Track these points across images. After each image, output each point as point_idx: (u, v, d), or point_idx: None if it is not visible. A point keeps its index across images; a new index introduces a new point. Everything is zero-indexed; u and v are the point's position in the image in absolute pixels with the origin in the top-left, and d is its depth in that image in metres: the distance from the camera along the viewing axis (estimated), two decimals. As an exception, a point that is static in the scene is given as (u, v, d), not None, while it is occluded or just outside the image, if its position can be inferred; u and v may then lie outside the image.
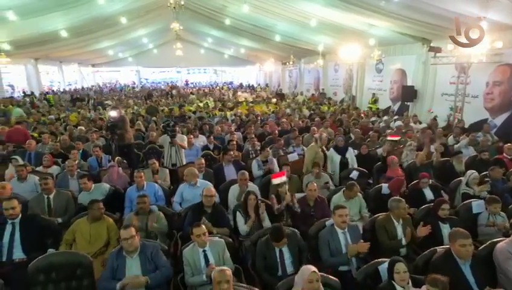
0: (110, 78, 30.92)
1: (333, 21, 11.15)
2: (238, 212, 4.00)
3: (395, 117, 10.33)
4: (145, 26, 18.09)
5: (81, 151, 6.67)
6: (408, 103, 11.65)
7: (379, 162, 5.75)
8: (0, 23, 10.44)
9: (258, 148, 6.80)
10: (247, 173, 4.68)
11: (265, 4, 11.37)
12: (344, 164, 5.94)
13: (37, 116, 11.13)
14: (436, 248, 3.09)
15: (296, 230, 3.57)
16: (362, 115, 11.10)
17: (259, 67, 28.41)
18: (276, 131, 7.95)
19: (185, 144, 6.28)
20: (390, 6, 8.28)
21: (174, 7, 9.74)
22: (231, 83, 32.72)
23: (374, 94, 13.83)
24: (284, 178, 4.18)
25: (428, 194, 4.71)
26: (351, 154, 6.05)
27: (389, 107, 12.90)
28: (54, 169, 5.80)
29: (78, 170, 5.43)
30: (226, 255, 3.26)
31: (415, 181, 4.93)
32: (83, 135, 7.96)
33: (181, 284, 3.18)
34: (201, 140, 7.72)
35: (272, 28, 14.50)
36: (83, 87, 24.91)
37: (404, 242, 3.54)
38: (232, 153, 5.80)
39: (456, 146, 7.02)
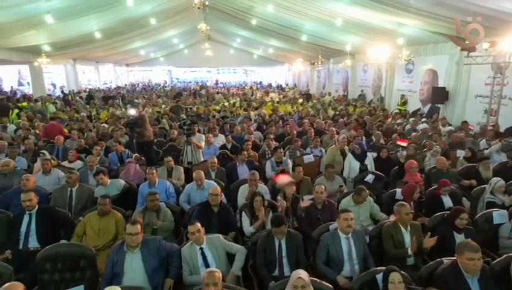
0: (143, 77, 32.06)
1: (360, 20, 10.85)
2: (244, 213, 3.99)
3: (423, 119, 9.87)
4: (175, 27, 18.52)
5: (104, 147, 6.97)
6: (439, 105, 11.10)
7: (396, 166, 5.51)
8: (41, 26, 11.12)
9: (275, 148, 6.75)
10: (257, 174, 4.65)
11: (291, 4, 11.28)
12: (363, 171, 5.74)
13: (70, 113, 11.73)
14: (443, 259, 2.90)
15: (299, 233, 3.50)
16: (388, 116, 10.68)
17: (288, 68, 28.25)
18: (295, 131, 7.84)
19: (202, 143, 6.36)
20: (420, 3, 7.92)
21: (199, 7, 9.89)
22: (260, 82, 32.85)
23: (403, 96, 13.31)
24: (287, 178, 4.11)
25: (447, 201, 4.45)
26: (370, 160, 5.82)
27: (419, 109, 12.36)
28: (78, 164, 6.07)
29: (97, 166, 5.65)
30: (226, 244, 3.29)
31: (433, 187, 4.68)
32: (107, 132, 8.26)
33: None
34: (220, 139, 7.79)
35: (299, 28, 14.35)
36: (117, 86, 26.01)
37: (410, 251, 3.37)
38: (245, 152, 5.80)
39: (486, 151, 6.59)
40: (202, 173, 4.82)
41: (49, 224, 3.81)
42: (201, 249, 3.21)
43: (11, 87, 21.71)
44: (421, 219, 3.95)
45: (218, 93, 19.84)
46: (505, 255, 2.97)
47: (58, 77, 21.01)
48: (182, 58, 28.37)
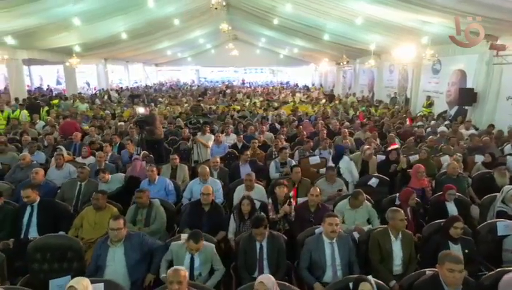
0: (172, 76, 32.89)
1: (382, 18, 10.49)
2: (232, 215, 3.97)
3: (446, 122, 9.36)
4: (201, 27, 18.83)
5: (117, 144, 7.23)
6: (466, 107, 10.48)
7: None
8: (71, 28, 11.70)
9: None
10: (253, 175, 4.64)
11: (311, 3, 11.13)
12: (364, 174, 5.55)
13: (96, 111, 12.25)
14: (426, 269, 2.74)
15: (284, 236, 3.45)
16: (410, 119, 10.23)
17: (315, 68, 27.89)
18: (305, 132, 7.72)
19: (210, 143, 6.44)
20: (444, 0, 7.53)
21: (216, 8, 9.98)
22: (287, 83, 32.67)
23: (429, 97, 12.69)
24: None
25: (452, 208, 4.21)
26: (346, 163, 5.47)
27: (445, 111, 11.74)
28: (90, 159, 6.32)
29: (106, 162, 5.87)
30: (215, 258, 3.27)
31: (438, 193, 4.44)
32: (124, 129, 8.53)
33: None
34: (232, 138, 7.83)
35: (322, 27, 14.11)
36: (146, 85, 26.87)
37: (399, 261, 3.20)
38: (248, 152, 5.79)
39: (509, 157, 6.15)
40: (207, 168, 4.91)
41: (49, 216, 3.99)
42: (192, 256, 3.18)
43: (48, 85, 23.05)
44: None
45: (240, 92, 19.94)
46: (496, 270, 2.75)
47: (91, 76, 22.02)
48: (209, 58, 28.81)
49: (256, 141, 6.70)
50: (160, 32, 16.06)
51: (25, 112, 10.50)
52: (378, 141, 7.42)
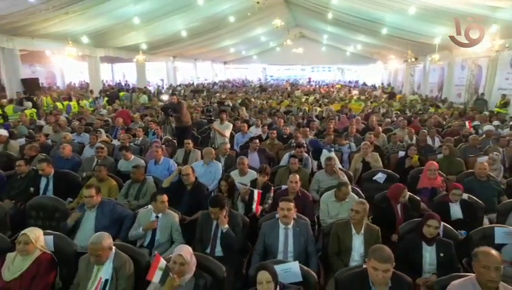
0: (240, 74, 33.97)
1: (442, 7, 9.47)
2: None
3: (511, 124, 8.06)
4: (262, 24, 19.09)
5: (153, 130, 7.82)
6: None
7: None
8: (135, 27, 12.95)
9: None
10: (246, 159, 4.65)
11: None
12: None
13: (154, 102, 13.34)
14: (364, 264, 2.47)
15: (243, 216, 3.43)
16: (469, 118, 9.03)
17: (383, 66, 26.22)
18: (331, 126, 7.39)
19: (226, 132, 6.64)
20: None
21: (258, 2, 10.07)
22: (356, 82, 31.33)
23: (504, 96, 11.04)
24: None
25: (456, 211, 3.68)
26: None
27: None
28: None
29: (131, 144, 6.41)
30: (175, 227, 3.42)
31: (443, 193, 3.91)
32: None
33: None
34: (259, 130, 7.91)
35: (381, 20, 13.26)
36: (214, 82, 28.25)
37: (358, 257, 2.93)
38: (257, 141, 5.80)
39: None
40: (212, 150, 5.12)
41: (63, 186, 4.52)
42: (156, 217, 3.43)
43: (126, 81, 25.74)
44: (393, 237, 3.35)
45: (298, 89, 19.77)
46: (449, 275, 2.35)
47: (160, 72, 23.96)
48: (275, 56, 29.08)
49: (275, 132, 6.65)
50: (220, 30, 16.73)
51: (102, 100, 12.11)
52: (414, 138, 6.78)
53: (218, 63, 30.31)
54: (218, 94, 17.31)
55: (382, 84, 26.96)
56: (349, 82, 31.07)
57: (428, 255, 2.87)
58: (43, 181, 4.53)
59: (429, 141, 6.71)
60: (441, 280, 2.36)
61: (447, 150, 5.02)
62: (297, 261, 2.62)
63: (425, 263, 2.86)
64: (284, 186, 4.12)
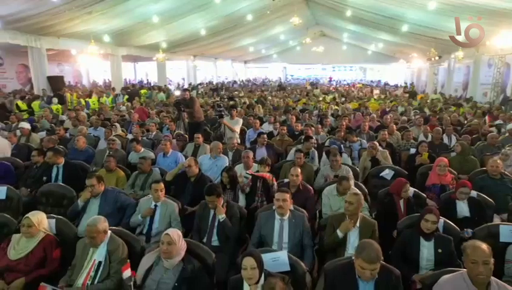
0: (260, 73, 34.02)
1: (467, 1, 9.12)
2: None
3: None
4: (281, 23, 19.03)
5: (167, 126, 7.98)
6: None
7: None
8: (155, 26, 13.23)
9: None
10: (251, 153, 4.67)
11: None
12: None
13: (171, 99, 13.61)
14: (352, 255, 2.42)
15: (240, 207, 3.45)
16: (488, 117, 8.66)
17: (406, 65, 25.51)
18: (344, 124, 7.28)
19: (236, 127, 6.70)
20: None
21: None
22: (378, 81, 30.70)
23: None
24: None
25: (463, 209, 3.54)
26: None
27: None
28: (138, 136, 7.17)
29: (144, 138, 6.58)
30: (174, 216, 3.50)
31: (450, 190, 3.77)
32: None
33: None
34: (270, 126, 7.93)
35: (402, 17, 12.93)
36: (234, 81, 28.45)
37: (352, 251, 2.87)
38: (265, 136, 5.82)
39: None
40: (219, 144, 5.19)
41: (71, 175, 4.68)
42: (155, 205, 3.52)
43: (147, 79, 26.33)
44: None
45: (317, 88, 19.60)
46: (440, 270, 2.27)
47: (179, 71, 24.38)
48: (295, 55, 28.92)
49: (284, 128, 6.65)
50: (238, 29, 16.82)
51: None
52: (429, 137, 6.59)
53: (238, 62, 30.47)
54: (236, 93, 17.42)
55: (405, 83, 26.27)
56: (371, 81, 30.50)
57: (426, 250, 2.79)
58: (54, 170, 4.72)
59: (445, 140, 6.51)
60: (433, 274, 2.29)
61: (459, 147, 4.85)
62: (285, 251, 2.61)
63: (422, 259, 2.78)
64: (286, 180, 4.11)
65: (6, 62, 17.21)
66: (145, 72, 28.78)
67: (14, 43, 11.61)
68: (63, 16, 10.67)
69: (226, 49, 22.11)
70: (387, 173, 4.54)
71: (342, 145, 5.71)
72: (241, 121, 6.86)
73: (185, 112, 7.14)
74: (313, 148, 5.65)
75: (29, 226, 2.80)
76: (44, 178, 4.61)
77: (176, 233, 2.51)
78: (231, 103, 10.52)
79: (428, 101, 13.49)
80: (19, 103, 11.41)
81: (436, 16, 11.17)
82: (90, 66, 21.41)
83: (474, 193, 3.64)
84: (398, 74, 28.97)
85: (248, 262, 2.21)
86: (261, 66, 32.94)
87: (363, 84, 24.85)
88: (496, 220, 3.68)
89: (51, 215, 3.06)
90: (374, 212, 3.94)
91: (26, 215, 2.86)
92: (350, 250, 2.92)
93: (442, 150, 5.72)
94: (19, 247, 2.84)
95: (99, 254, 2.62)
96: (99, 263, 2.59)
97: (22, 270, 2.74)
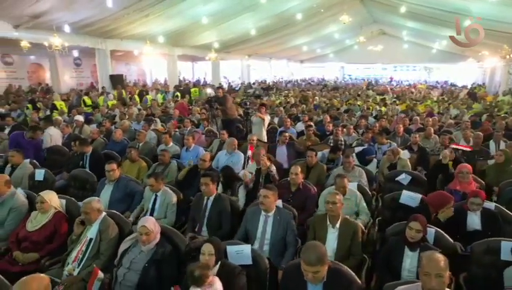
0: (317, 73, 33.44)
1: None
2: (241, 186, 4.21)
3: None
4: (334, 21, 18.53)
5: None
6: None
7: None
8: (206, 27, 13.81)
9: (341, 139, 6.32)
10: (262, 150, 4.69)
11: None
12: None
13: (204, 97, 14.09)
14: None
15: (236, 203, 3.53)
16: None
17: (477, 64, 23.11)
18: (377, 125, 6.93)
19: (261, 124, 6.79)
20: None
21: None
22: (445, 82, 28.29)
23: None
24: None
25: (474, 221, 3.22)
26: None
27: None
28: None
29: (178, 133, 7.00)
30: (170, 205, 3.73)
31: (462, 201, 3.43)
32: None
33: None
34: (302, 125, 7.88)
35: (465, 11, 11.78)
36: (288, 81, 28.39)
37: (331, 253, 2.79)
38: (286, 134, 5.83)
39: None
40: (234, 140, 5.37)
41: (97, 163, 5.09)
42: (155, 195, 3.78)
43: (204, 78, 27.48)
44: None
45: (368, 89, 18.78)
46: (394, 282, 2.13)
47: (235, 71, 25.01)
48: (352, 54, 27.90)
49: (311, 128, 6.58)
50: (290, 28, 16.75)
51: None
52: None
53: (294, 62, 30.31)
54: (286, 92, 17.43)
55: (473, 84, 23.84)
56: (437, 82, 28.18)
57: (409, 260, 2.62)
58: (84, 158, 5.27)
59: (492, 146, 5.87)
60: (388, 285, 2.15)
61: (501, 157, 4.33)
62: (249, 245, 2.65)
63: (404, 269, 2.62)
64: (288, 178, 4.10)
65: (84, 63, 19.37)
66: (204, 72, 30.11)
67: (84, 46, 13.05)
68: (123, 19, 11.71)
69: (280, 49, 22.15)
70: (403, 178, 4.27)
71: (373, 149, 5.53)
72: (269, 117, 6.92)
73: (218, 110, 7.39)
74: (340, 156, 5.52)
75: (42, 202, 3.23)
76: (81, 163, 5.18)
77: (152, 222, 2.69)
78: (259, 101, 10.60)
79: (493, 104, 12.12)
80: (86, 98, 12.78)
81: (505, 8, 10.02)
82: (153, 65, 23.04)
83: (491, 205, 3.29)
84: (468, 74, 26.38)
85: (207, 248, 2.33)
86: (318, 66, 32.33)
87: (425, 85, 23.06)
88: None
89: (62, 195, 3.47)
90: (379, 217, 3.76)
91: (39, 193, 3.29)
92: (329, 252, 2.83)
93: (481, 156, 5.18)
94: (36, 220, 3.28)
95: (91, 232, 2.92)
96: (91, 239, 2.89)
97: (34, 241, 3.16)
